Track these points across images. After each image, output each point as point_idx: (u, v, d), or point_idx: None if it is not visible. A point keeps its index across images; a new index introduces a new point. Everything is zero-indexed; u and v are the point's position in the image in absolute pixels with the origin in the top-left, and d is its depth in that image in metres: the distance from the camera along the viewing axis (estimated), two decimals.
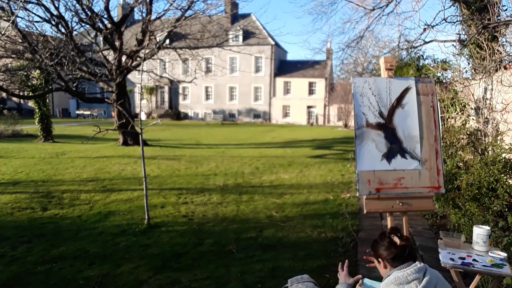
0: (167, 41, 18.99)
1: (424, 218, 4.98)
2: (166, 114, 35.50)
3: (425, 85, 2.51)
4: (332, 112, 34.17)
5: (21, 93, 13.59)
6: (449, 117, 5.29)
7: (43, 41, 11.45)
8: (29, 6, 11.19)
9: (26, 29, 12.04)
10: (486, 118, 4.65)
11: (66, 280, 3.23)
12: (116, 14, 21.75)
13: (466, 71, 5.41)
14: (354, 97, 2.47)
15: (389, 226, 2.47)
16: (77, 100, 33.94)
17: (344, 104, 30.43)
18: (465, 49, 5.52)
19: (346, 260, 2.25)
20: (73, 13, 11.26)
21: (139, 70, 10.66)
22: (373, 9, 8.82)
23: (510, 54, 4.40)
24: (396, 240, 1.82)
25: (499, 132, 4.39)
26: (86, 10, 11.45)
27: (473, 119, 4.99)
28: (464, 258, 2.40)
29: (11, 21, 9.45)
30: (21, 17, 11.70)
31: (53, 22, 11.55)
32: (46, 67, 11.06)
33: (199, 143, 15.06)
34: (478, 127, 4.71)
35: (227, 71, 30.92)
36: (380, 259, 1.87)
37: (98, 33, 12.76)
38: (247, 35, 34.76)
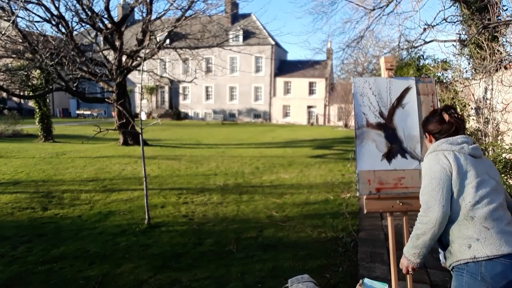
0: (167, 41, 19.00)
1: None
2: (166, 114, 35.50)
3: (425, 85, 2.51)
4: (332, 112, 34.17)
5: (21, 93, 13.60)
6: None
7: (43, 41, 11.45)
8: (29, 6, 11.20)
9: (27, 29, 12.04)
10: (487, 118, 4.64)
11: (66, 280, 3.23)
12: (116, 14, 21.75)
13: (466, 71, 5.40)
14: (354, 97, 2.47)
15: (389, 226, 2.46)
16: (77, 100, 33.94)
17: (344, 104, 30.41)
18: (465, 49, 5.51)
19: None
20: (74, 13, 11.27)
21: (139, 70, 10.66)
22: (374, 9, 8.81)
23: (511, 54, 4.39)
24: (446, 117, 1.90)
25: (500, 132, 4.38)
26: (87, 10, 11.45)
27: (473, 119, 4.99)
28: None
29: (11, 21, 9.45)
30: (21, 17, 11.70)
31: (53, 22, 11.55)
32: (47, 67, 11.06)
33: (199, 143, 15.07)
34: (478, 127, 4.70)
35: (227, 71, 30.91)
36: (427, 134, 1.99)
37: (99, 33, 12.77)
38: (247, 35, 34.76)
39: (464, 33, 5.85)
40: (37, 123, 14.47)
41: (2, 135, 15.38)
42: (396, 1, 8.26)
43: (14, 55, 11.80)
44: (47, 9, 11.30)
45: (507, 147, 3.90)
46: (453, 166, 1.71)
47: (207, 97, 37.48)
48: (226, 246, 4.05)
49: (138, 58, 13.48)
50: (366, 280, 2.25)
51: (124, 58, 13.57)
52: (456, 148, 1.76)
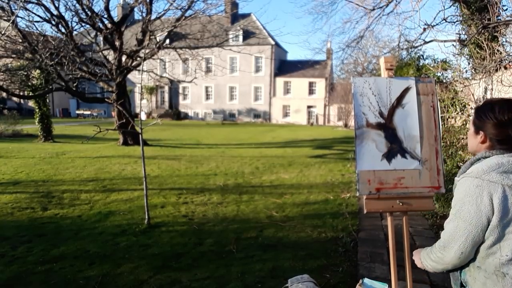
0: (167, 41, 18.99)
1: (424, 218, 4.98)
2: (166, 114, 35.51)
3: (425, 85, 2.51)
4: (332, 112, 34.19)
5: (21, 93, 13.60)
6: (449, 117, 5.29)
7: (43, 41, 11.45)
8: (29, 6, 11.20)
9: (26, 29, 12.04)
10: None
11: (66, 280, 3.23)
12: (116, 14, 21.74)
13: (466, 71, 5.41)
14: (354, 97, 2.46)
15: (389, 226, 2.46)
16: (77, 100, 33.95)
17: (344, 104, 30.43)
18: (465, 49, 5.51)
19: None
20: (73, 13, 11.27)
21: (139, 70, 10.66)
22: (373, 9, 8.82)
23: (510, 54, 4.40)
24: None
25: None
26: (86, 10, 11.45)
27: None
28: None
29: (11, 21, 9.45)
30: (21, 17, 11.70)
31: (53, 22, 11.55)
32: (46, 67, 11.06)
33: (199, 143, 15.06)
34: None
35: (227, 71, 30.92)
36: (481, 131, 1.39)
37: (98, 33, 12.77)
38: (247, 35, 34.76)
39: (464, 33, 5.85)
40: (37, 123, 14.47)
41: (2, 135, 15.38)
42: (396, 1, 8.27)
43: (14, 55, 11.80)
44: (47, 9, 11.30)
45: None
46: (496, 211, 1.25)
47: (207, 97, 37.48)
48: (226, 246, 4.05)
49: (138, 58, 13.48)
50: (366, 280, 2.25)
51: (124, 58, 13.57)
52: (510, 181, 1.25)
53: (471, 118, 1.53)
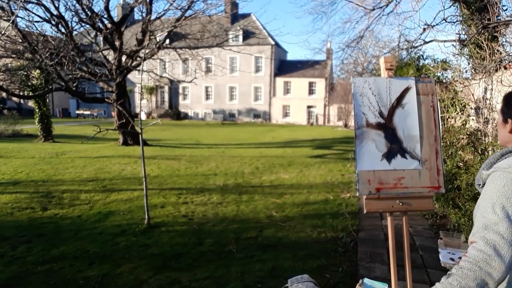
0: (167, 41, 18.99)
1: (424, 218, 4.98)
2: (166, 114, 35.50)
3: (425, 85, 2.51)
4: (332, 112, 34.18)
5: (21, 93, 13.60)
6: (449, 117, 5.28)
7: (43, 41, 11.45)
8: (29, 6, 11.21)
9: (26, 29, 12.04)
10: (486, 118, 4.64)
11: (66, 280, 3.23)
12: (116, 14, 21.74)
13: (466, 71, 5.40)
14: (354, 97, 2.46)
15: (389, 226, 2.46)
16: (77, 100, 33.94)
17: (344, 104, 30.43)
18: (465, 49, 5.51)
19: None
20: (73, 13, 11.28)
21: (139, 70, 10.66)
22: (373, 9, 8.81)
23: (510, 54, 4.39)
24: None
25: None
26: (86, 10, 11.45)
27: (473, 119, 4.99)
28: None
29: (11, 21, 9.44)
30: (21, 17, 11.70)
31: (53, 22, 11.56)
32: (46, 67, 11.07)
33: (199, 143, 15.06)
34: (478, 127, 4.70)
35: (227, 71, 30.91)
36: (510, 119, 1.29)
37: (98, 33, 12.77)
38: (247, 35, 34.76)
39: (463, 33, 5.85)
40: (36, 123, 14.47)
41: (2, 135, 15.38)
42: (396, 1, 8.26)
43: (14, 55, 11.80)
44: (47, 9, 11.30)
45: None
46: None
47: (207, 97, 37.47)
48: (226, 246, 4.05)
49: (138, 58, 13.48)
50: (366, 280, 2.25)
51: (124, 58, 13.57)
52: None
53: (498, 107, 1.41)
